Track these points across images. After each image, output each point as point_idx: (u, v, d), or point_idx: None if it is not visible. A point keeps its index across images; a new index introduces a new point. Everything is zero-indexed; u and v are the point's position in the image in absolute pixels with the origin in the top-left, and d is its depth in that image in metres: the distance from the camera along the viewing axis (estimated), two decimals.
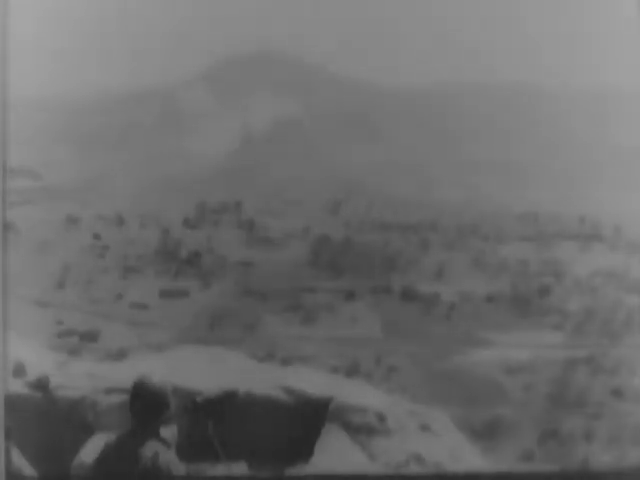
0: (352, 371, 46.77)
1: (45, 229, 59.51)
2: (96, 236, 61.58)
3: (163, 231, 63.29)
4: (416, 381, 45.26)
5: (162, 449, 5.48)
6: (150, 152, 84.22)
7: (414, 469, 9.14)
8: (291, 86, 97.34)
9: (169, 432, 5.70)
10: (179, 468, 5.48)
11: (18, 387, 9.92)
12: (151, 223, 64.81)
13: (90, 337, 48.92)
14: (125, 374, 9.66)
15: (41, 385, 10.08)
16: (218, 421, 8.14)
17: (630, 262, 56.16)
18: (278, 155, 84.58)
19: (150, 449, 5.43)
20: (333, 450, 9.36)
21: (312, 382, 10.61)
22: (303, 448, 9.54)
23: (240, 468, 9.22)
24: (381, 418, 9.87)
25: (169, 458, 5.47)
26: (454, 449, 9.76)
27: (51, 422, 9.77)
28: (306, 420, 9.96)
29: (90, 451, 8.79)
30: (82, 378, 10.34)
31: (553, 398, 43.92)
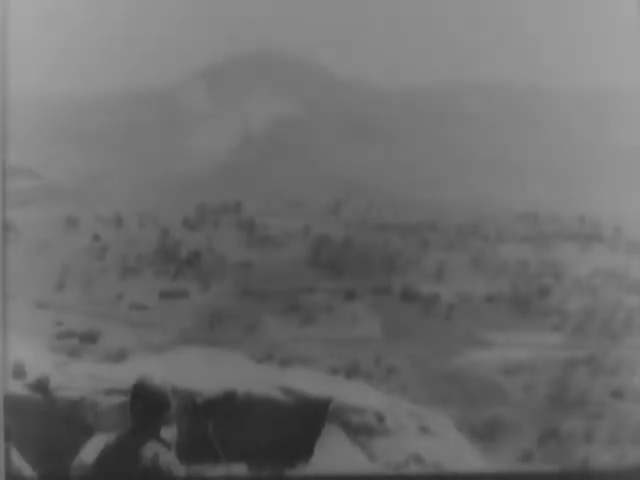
0: (352, 371, 46.78)
1: (45, 229, 59.45)
2: (95, 237, 61.52)
3: (163, 231, 63.20)
4: (416, 381, 45.26)
5: (162, 450, 5.47)
6: (150, 152, 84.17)
7: (414, 469, 9.13)
8: (291, 86, 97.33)
9: (169, 433, 5.69)
10: (179, 469, 5.48)
11: (18, 388, 9.91)
12: (150, 223, 64.76)
13: (90, 338, 48.87)
14: (125, 375, 9.64)
15: (41, 386, 10.07)
16: (218, 422, 8.15)
17: (630, 262, 56.10)
18: (278, 155, 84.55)
19: (150, 450, 5.42)
20: (333, 450, 9.35)
21: (311, 383, 10.59)
22: (303, 448, 9.54)
23: (240, 469, 9.21)
24: (380, 418, 9.85)
25: (169, 459, 5.47)
26: (454, 449, 9.74)
27: (51, 423, 9.76)
28: (306, 421, 9.95)
29: (90, 451, 8.77)
30: (82, 379, 10.33)
31: (553, 398, 43.89)
